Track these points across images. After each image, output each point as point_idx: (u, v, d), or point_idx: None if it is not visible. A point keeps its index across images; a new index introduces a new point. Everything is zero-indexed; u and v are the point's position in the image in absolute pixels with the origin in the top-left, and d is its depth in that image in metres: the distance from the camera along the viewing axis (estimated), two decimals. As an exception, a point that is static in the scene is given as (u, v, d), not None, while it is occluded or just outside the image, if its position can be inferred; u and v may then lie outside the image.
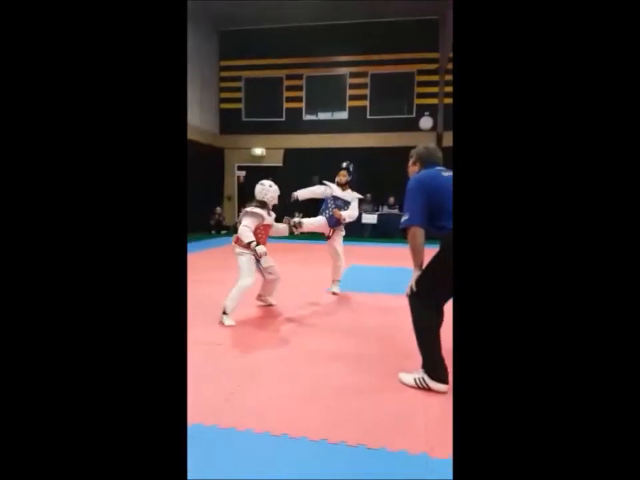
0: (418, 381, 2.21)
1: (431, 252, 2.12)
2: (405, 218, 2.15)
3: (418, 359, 2.22)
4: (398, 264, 6.23)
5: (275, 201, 3.61)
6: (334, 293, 4.41)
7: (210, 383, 2.25)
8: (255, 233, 3.38)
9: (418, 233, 2.12)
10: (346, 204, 4.19)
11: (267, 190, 3.54)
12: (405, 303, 2.28)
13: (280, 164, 12.22)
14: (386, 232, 10.09)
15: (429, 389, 2.17)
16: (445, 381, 2.15)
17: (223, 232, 11.18)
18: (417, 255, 2.18)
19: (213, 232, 11.02)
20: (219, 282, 4.67)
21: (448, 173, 2.22)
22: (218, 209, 11.50)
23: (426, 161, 2.37)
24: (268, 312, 3.76)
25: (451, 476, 0.96)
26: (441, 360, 2.16)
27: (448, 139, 11.24)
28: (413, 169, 2.42)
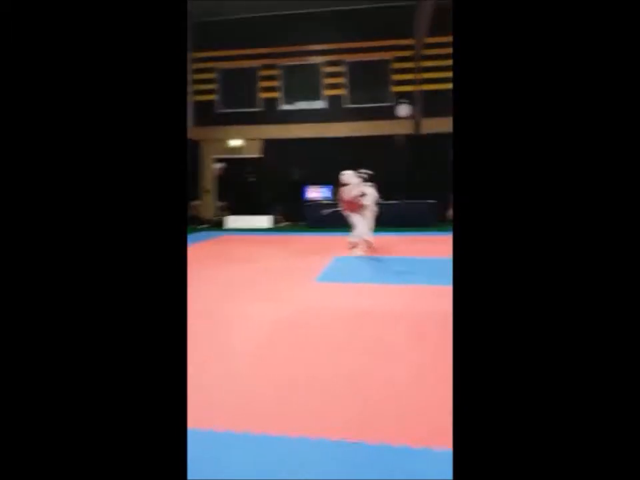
0: None
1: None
2: None
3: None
4: (378, 253, 6.24)
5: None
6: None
7: (222, 388, 2.15)
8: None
9: None
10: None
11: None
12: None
13: (259, 155, 12.06)
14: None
15: None
16: None
17: (203, 226, 11.01)
18: None
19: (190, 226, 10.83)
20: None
21: None
22: (195, 203, 11.29)
23: None
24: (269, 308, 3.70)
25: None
26: None
27: (425, 126, 11.27)
28: None
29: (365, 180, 6.40)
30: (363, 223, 6.08)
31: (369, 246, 6.37)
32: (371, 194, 6.34)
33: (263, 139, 12.01)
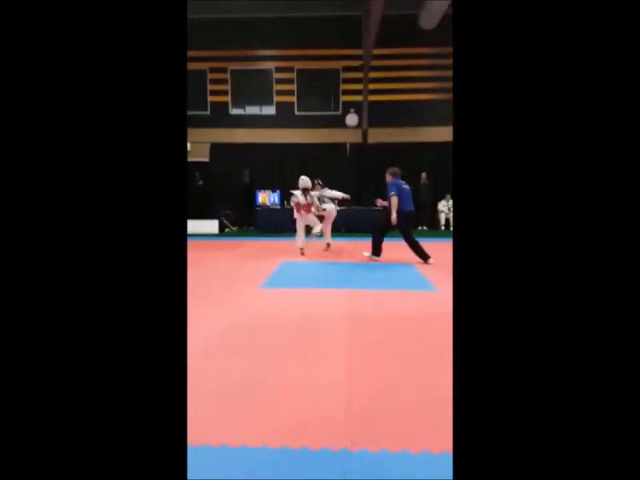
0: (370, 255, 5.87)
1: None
2: (391, 193, 5.59)
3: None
4: (330, 258, 6.34)
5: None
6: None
7: (201, 401, 2.00)
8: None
9: (394, 199, 5.55)
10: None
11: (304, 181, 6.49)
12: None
13: (206, 159, 11.86)
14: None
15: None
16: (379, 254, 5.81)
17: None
18: (392, 208, 5.55)
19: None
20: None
21: (405, 185, 5.79)
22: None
23: (395, 174, 5.81)
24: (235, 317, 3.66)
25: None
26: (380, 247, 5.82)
27: (373, 136, 11.58)
28: (389, 178, 5.77)
29: (321, 186, 6.92)
30: (303, 230, 6.57)
31: (327, 249, 6.98)
32: (328, 199, 6.83)
33: (211, 143, 11.84)
